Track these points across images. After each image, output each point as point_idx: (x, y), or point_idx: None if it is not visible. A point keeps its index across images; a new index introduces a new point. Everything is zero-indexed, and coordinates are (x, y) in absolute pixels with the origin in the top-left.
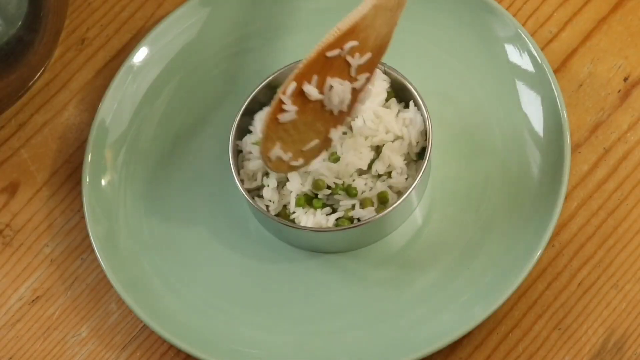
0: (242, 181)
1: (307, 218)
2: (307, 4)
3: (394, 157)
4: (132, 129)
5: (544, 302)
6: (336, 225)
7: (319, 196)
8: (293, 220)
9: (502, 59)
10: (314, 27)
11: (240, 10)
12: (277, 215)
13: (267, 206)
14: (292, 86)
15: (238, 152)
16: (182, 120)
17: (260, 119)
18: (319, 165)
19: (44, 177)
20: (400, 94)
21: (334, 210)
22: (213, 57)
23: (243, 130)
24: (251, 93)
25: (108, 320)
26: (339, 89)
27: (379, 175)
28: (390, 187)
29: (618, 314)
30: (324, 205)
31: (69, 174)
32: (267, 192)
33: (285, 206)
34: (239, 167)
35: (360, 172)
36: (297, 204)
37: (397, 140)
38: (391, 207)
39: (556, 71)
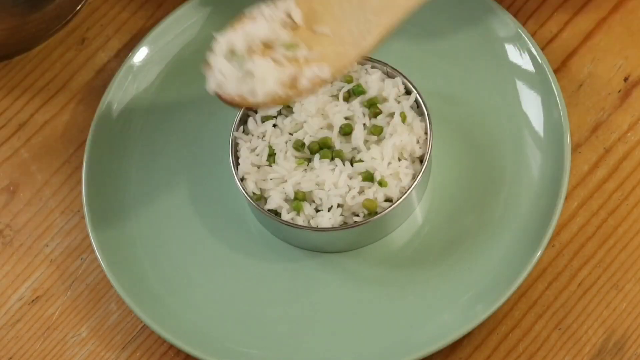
0: (242, 180)
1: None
2: None
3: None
4: (132, 129)
5: (544, 302)
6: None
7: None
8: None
9: (502, 58)
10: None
11: (240, 10)
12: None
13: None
14: None
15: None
16: (182, 120)
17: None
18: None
19: (44, 177)
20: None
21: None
22: None
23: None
24: None
25: (108, 320)
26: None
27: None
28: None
29: (618, 314)
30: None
31: (69, 174)
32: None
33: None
34: (238, 166)
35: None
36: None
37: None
38: (392, 207)
39: (556, 71)
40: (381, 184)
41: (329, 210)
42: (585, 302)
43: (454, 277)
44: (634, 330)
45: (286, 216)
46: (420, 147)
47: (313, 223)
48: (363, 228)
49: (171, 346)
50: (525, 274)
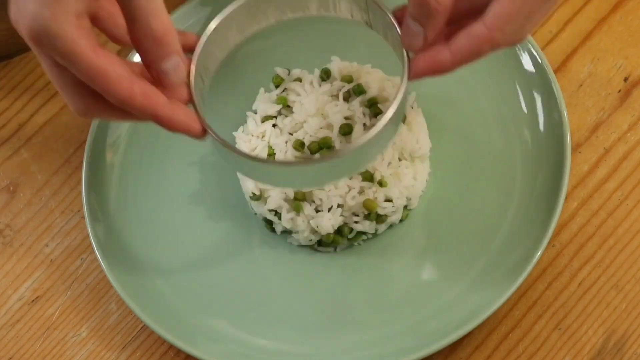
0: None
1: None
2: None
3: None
4: (132, 128)
5: (544, 302)
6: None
7: None
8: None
9: (502, 58)
10: (315, 27)
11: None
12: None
13: None
14: None
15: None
16: None
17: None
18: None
19: (44, 177)
20: None
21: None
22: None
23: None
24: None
25: (108, 320)
26: None
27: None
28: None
29: (618, 314)
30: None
31: (69, 173)
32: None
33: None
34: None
35: None
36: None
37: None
38: (364, 138)
39: (556, 71)
40: (381, 184)
41: (329, 211)
42: (585, 302)
43: (454, 278)
44: (634, 330)
45: (286, 216)
46: (420, 147)
47: (313, 223)
48: (327, 164)
49: (171, 346)
50: (525, 274)
